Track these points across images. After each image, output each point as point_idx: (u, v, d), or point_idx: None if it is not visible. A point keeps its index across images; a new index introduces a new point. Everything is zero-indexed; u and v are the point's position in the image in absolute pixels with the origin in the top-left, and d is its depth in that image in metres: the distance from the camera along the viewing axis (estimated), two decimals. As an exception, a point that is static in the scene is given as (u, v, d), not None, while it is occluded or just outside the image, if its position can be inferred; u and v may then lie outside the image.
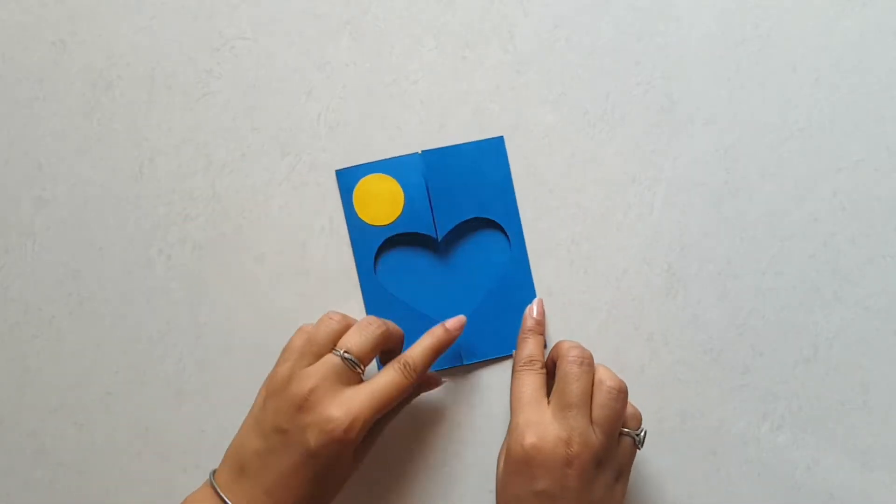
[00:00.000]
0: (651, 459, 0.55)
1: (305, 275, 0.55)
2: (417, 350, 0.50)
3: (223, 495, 0.46)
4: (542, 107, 0.56)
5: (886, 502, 0.55)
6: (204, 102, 0.55)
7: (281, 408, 0.47)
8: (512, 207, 0.55)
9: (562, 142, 0.55)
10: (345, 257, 0.55)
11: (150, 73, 0.55)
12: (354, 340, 0.49)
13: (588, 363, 0.49)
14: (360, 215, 0.55)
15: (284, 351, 0.50)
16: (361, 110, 0.55)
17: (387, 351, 0.52)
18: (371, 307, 0.55)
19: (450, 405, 0.55)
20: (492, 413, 0.55)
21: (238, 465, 0.47)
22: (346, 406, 0.46)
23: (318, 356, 0.48)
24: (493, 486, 0.54)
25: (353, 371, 0.48)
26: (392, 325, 0.51)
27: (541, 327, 0.53)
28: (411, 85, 0.55)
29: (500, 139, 0.55)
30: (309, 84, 0.55)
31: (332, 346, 0.49)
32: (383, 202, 0.55)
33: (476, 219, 0.55)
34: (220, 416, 0.55)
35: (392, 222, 0.55)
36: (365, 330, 0.49)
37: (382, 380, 0.48)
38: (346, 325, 0.50)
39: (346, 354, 0.48)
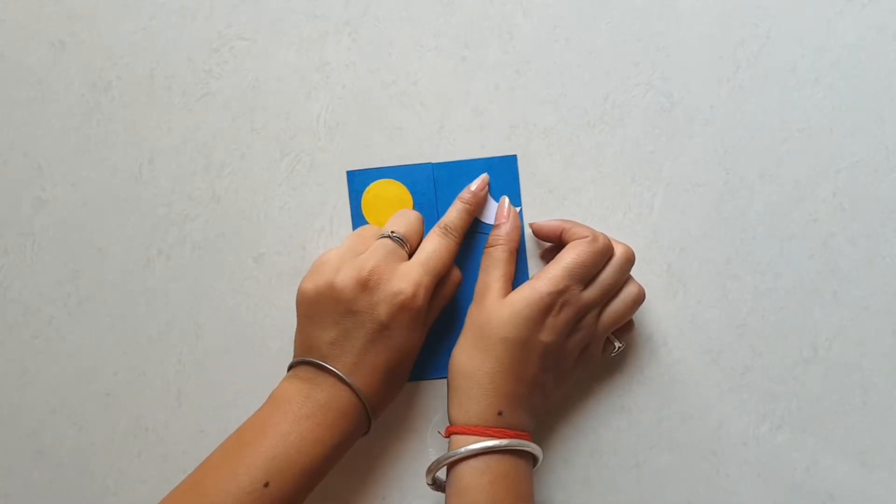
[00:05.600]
0: (651, 459, 0.55)
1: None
2: (453, 213, 0.53)
3: (323, 363, 0.48)
4: (542, 107, 0.56)
5: (886, 502, 0.55)
6: (203, 103, 0.55)
7: (342, 295, 0.49)
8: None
9: (562, 142, 0.55)
10: (345, 257, 0.55)
11: (150, 73, 0.55)
12: (397, 223, 0.52)
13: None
14: (367, 218, 0.55)
15: (319, 260, 0.51)
16: (361, 111, 0.55)
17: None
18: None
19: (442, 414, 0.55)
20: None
21: (320, 360, 0.49)
22: (407, 277, 0.49)
23: (365, 247, 0.51)
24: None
25: (402, 248, 0.51)
26: None
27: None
28: (411, 85, 0.55)
29: (513, 158, 0.55)
30: (309, 84, 0.55)
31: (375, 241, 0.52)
32: (392, 208, 0.55)
33: (481, 233, 0.55)
34: (220, 416, 0.55)
35: None
36: (404, 214, 0.53)
37: (430, 246, 0.51)
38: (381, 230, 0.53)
39: (393, 233, 0.51)
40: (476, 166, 0.55)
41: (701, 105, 0.55)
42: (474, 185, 0.54)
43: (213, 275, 0.55)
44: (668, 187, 0.55)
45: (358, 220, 0.55)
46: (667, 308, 0.55)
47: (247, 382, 0.54)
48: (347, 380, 0.48)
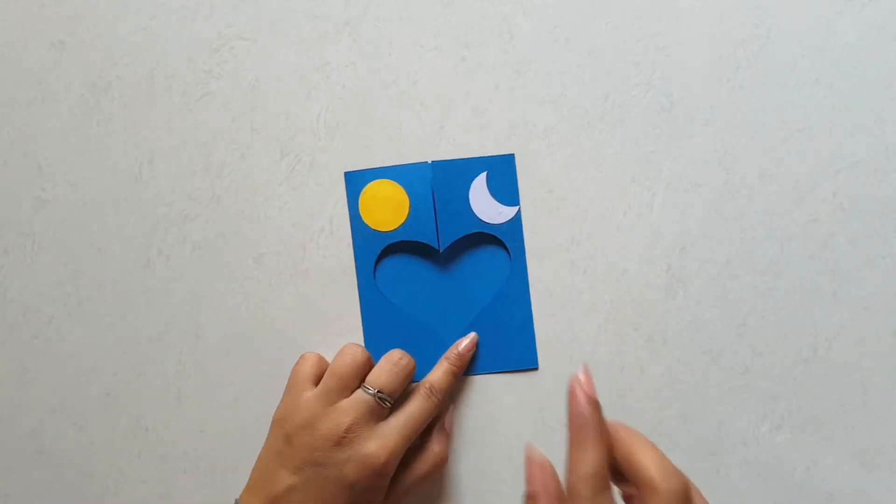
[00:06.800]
0: (651, 459, 0.55)
1: (304, 275, 0.55)
2: (439, 374, 0.52)
3: None
4: (542, 107, 0.56)
5: (886, 502, 0.55)
6: (203, 103, 0.55)
7: (315, 444, 0.48)
8: (517, 226, 0.55)
9: (562, 142, 0.55)
10: (344, 259, 0.55)
11: (150, 73, 0.55)
12: (385, 379, 0.50)
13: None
14: (364, 219, 0.55)
15: (296, 382, 0.50)
16: (361, 111, 0.55)
17: None
18: (368, 311, 0.55)
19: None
20: (478, 426, 0.55)
21: (270, 499, 0.48)
22: (383, 440, 0.49)
23: (346, 391, 0.50)
24: (477, 491, 0.54)
25: (384, 407, 0.50)
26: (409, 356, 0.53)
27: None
28: (411, 85, 0.55)
29: (511, 157, 0.55)
30: (308, 84, 0.55)
31: (358, 382, 0.50)
32: (389, 208, 0.55)
33: (479, 233, 0.55)
34: (220, 417, 0.55)
35: (395, 229, 0.55)
36: (395, 367, 0.51)
37: (411, 409, 0.50)
38: (367, 358, 0.51)
39: (379, 394, 0.50)
40: (474, 165, 0.55)
41: (701, 105, 0.55)
42: (462, 346, 0.53)
43: (213, 275, 0.55)
44: (668, 187, 0.55)
45: (356, 221, 0.55)
46: (667, 308, 0.55)
47: (247, 382, 0.54)
48: None
